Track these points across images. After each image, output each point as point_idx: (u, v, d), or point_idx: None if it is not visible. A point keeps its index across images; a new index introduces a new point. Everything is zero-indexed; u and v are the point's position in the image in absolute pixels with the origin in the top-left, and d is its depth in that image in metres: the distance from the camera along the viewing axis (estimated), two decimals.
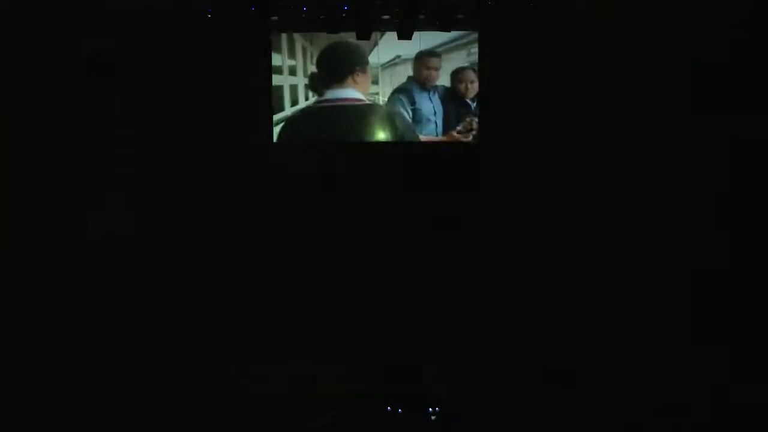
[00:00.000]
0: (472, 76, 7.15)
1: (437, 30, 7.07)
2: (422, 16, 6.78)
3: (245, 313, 6.71)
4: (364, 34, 6.95)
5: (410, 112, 7.18)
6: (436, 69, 7.14)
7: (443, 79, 7.17)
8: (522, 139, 7.07)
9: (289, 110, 7.18)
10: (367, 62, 7.11)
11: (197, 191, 7.03)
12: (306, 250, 7.02)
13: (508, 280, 6.80)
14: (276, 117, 7.16)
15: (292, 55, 7.13)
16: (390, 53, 7.14)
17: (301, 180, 7.16)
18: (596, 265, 6.64)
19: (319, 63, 7.12)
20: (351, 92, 7.13)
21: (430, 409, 5.81)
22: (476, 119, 7.12)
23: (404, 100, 7.16)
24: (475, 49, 7.11)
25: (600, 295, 6.50)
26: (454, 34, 7.08)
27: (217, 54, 6.96)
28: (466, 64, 7.15)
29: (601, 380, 5.93)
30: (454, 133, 7.17)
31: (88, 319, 6.25)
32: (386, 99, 7.15)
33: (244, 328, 6.59)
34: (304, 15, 6.74)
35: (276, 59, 7.09)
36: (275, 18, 6.84)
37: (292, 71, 7.14)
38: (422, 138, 7.21)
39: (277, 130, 7.17)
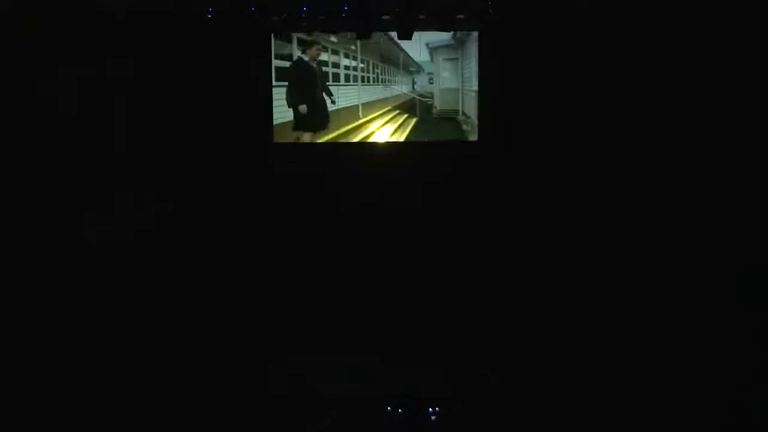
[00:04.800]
0: None
1: (437, 30, 7.09)
2: (422, 16, 6.79)
3: (246, 313, 6.70)
4: (364, 34, 6.96)
5: None
6: None
7: None
8: (522, 139, 7.08)
9: None
10: None
11: (197, 191, 7.03)
12: (307, 250, 7.02)
13: (510, 279, 6.79)
14: None
15: None
16: None
17: (301, 180, 7.17)
18: (598, 265, 6.64)
19: None
20: None
21: (430, 409, 5.80)
22: None
23: None
24: None
25: (601, 295, 6.50)
26: None
27: (217, 54, 6.97)
28: None
29: (601, 380, 5.92)
30: None
31: (87, 320, 6.24)
32: None
33: (245, 328, 6.59)
34: (304, 15, 6.75)
35: None
36: (275, 18, 6.84)
37: None
38: None
39: None
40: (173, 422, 5.60)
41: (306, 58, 7.26)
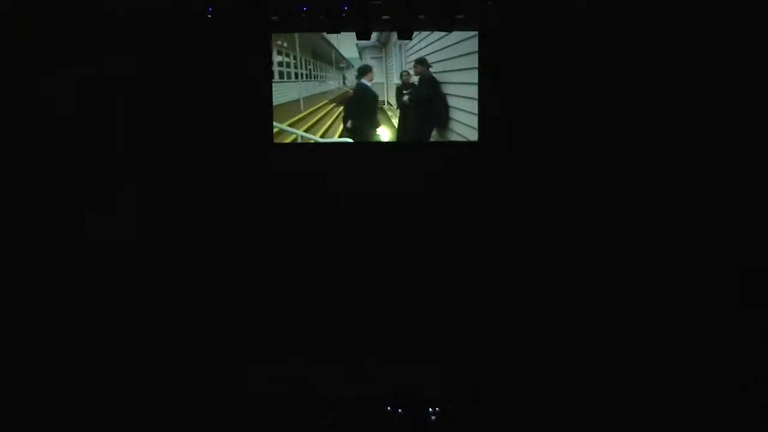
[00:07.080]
0: None
1: (437, 30, 7.09)
2: (422, 16, 6.79)
3: (246, 313, 6.71)
4: (363, 35, 6.96)
5: None
6: None
7: None
8: (522, 139, 7.08)
9: None
10: None
11: (197, 191, 7.03)
12: (307, 250, 7.02)
13: (510, 279, 6.79)
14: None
15: None
16: None
17: (301, 180, 7.18)
18: (598, 266, 6.64)
19: None
20: None
21: (430, 409, 5.80)
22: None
23: None
24: None
25: (602, 295, 6.50)
26: None
27: (217, 54, 6.97)
28: None
29: (602, 380, 5.92)
30: None
31: (87, 320, 6.24)
32: None
33: (245, 328, 6.59)
34: (304, 15, 6.75)
35: None
36: (275, 18, 6.84)
37: None
38: None
39: None
40: (173, 422, 5.62)
41: (367, 83, 7.39)
